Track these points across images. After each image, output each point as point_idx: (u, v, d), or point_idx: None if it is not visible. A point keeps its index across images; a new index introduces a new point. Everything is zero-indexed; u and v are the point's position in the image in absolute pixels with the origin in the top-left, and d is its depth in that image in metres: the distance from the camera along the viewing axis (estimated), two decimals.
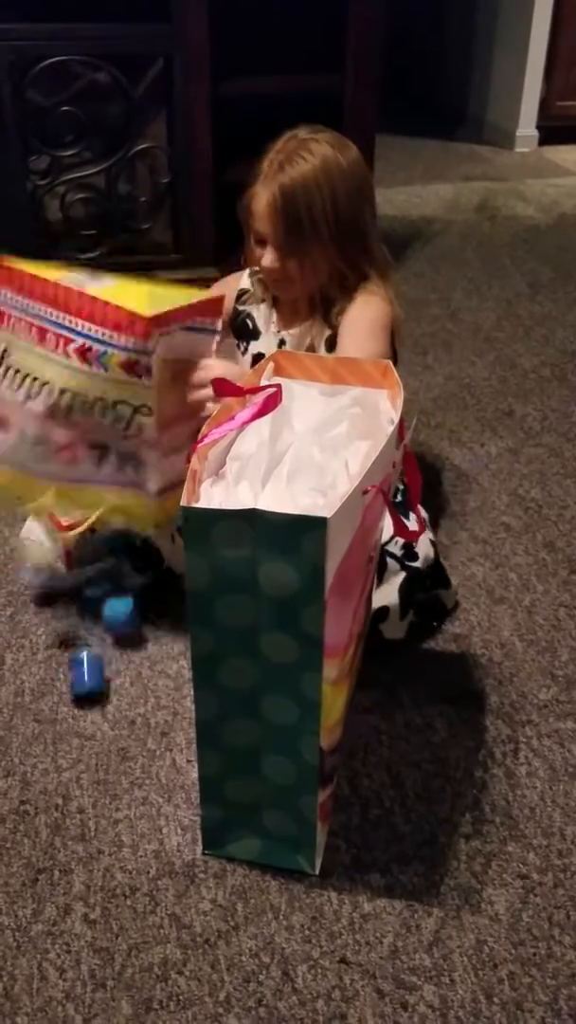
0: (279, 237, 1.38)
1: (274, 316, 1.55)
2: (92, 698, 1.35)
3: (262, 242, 1.42)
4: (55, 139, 2.38)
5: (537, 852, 1.17)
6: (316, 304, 1.49)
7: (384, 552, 1.38)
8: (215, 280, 2.45)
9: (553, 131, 4.14)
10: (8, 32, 2.20)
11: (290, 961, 1.05)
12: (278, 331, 1.53)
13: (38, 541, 1.50)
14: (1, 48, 2.19)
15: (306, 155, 1.36)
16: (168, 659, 1.43)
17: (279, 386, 1.07)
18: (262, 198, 1.37)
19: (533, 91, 4.04)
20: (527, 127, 4.13)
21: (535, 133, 4.15)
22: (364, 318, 1.43)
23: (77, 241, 2.48)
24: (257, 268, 1.50)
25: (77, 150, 2.39)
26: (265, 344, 1.54)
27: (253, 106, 2.54)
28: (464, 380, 2.28)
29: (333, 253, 1.41)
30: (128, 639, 1.45)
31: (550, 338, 2.50)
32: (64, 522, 1.57)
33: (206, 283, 2.46)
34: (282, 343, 1.52)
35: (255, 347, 1.56)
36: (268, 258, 1.41)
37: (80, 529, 1.36)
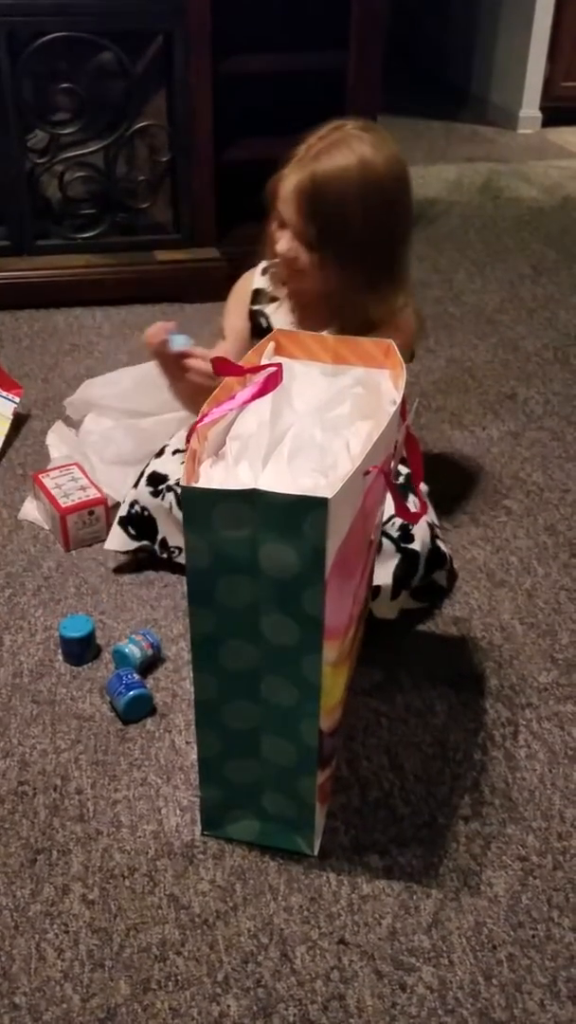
0: (299, 224, 1.33)
1: (288, 315, 1.50)
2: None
3: (283, 225, 1.37)
4: (54, 117, 2.36)
5: (536, 834, 1.17)
6: (337, 310, 1.41)
7: (381, 533, 1.37)
8: (215, 260, 2.45)
9: (557, 112, 4.10)
10: (7, 7, 2.17)
11: (289, 942, 1.05)
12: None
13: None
14: (0, 23, 2.16)
15: (347, 151, 1.29)
16: (167, 641, 1.42)
17: (279, 366, 1.06)
18: (291, 181, 1.31)
19: (537, 72, 4.00)
20: (531, 108, 4.09)
21: (539, 114, 4.11)
22: None
23: (76, 220, 2.46)
24: (271, 261, 1.48)
25: (76, 128, 2.36)
26: None
27: (254, 84, 2.53)
28: (466, 363, 2.26)
29: (353, 259, 1.35)
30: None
31: (553, 320, 2.48)
32: (63, 504, 1.57)
33: (207, 263, 2.45)
34: None
35: None
36: (283, 243, 1.36)
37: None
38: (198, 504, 0.93)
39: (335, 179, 1.30)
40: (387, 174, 1.32)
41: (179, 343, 1.40)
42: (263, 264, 1.53)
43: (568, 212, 3.24)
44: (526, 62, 3.97)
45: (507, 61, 4.10)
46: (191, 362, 1.40)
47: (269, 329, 1.51)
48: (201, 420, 1.01)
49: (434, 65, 4.61)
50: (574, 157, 3.83)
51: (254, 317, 1.53)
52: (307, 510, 0.90)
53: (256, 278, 1.54)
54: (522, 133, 4.11)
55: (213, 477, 0.99)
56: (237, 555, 0.94)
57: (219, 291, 2.48)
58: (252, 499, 0.91)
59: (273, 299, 1.52)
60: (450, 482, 1.81)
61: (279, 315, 1.51)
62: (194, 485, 0.95)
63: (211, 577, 0.97)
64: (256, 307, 1.53)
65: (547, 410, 2.08)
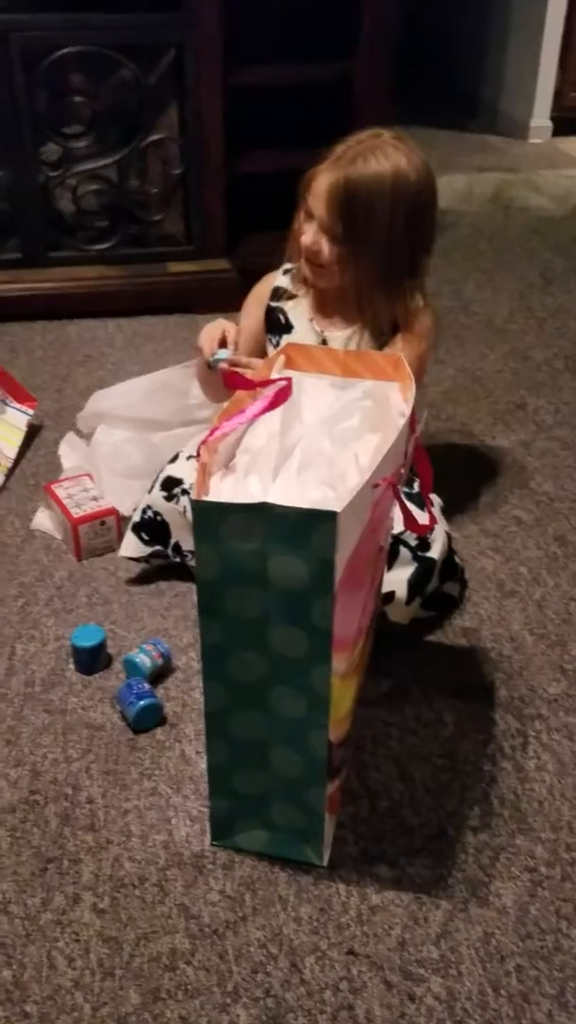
0: (327, 220, 1.36)
1: (307, 311, 1.52)
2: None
3: (310, 219, 1.40)
4: (67, 130, 2.38)
5: (545, 846, 1.17)
6: (362, 309, 1.45)
7: (398, 540, 1.37)
8: (226, 271, 2.47)
9: (567, 122, 4.11)
10: (21, 22, 2.19)
11: (298, 952, 1.05)
12: (320, 331, 1.50)
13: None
14: (14, 38, 2.19)
15: (382, 159, 1.33)
16: (176, 651, 1.43)
17: (289, 379, 1.07)
18: (325, 178, 1.35)
19: (547, 81, 4.00)
20: (541, 118, 4.09)
21: (549, 124, 4.11)
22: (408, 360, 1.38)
23: (88, 232, 2.48)
24: (293, 265, 1.49)
25: (89, 141, 2.38)
26: (299, 338, 1.51)
27: (266, 96, 2.54)
28: (476, 373, 2.27)
29: (374, 261, 1.38)
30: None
31: (563, 330, 2.48)
32: (74, 514, 1.58)
33: (219, 275, 2.47)
34: (324, 343, 1.50)
35: (288, 340, 1.52)
36: (309, 235, 1.40)
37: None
38: (208, 517, 0.94)
39: (368, 184, 1.34)
40: (417, 185, 1.36)
41: (221, 355, 1.45)
42: (286, 266, 1.55)
43: None
44: (537, 71, 3.97)
45: (517, 70, 4.11)
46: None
47: (287, 324, 1.53)
48: (212, 433, 1.02)
49: (444, 74, 4.63)
50: None
51: (272, 313, 1.55)
52: (316, 523, 0.91)
53: (278, 277, 1.57)
54: (532, 143, 4.11)
55: (223, 490, 1.00)
56: (247, 567, 0.95)
57: (230, 302, 2.50)
58: (262, 512, 0.92)
59: (292, 296, 1.54)
60: (460, 492, 1.81)
61: (298, 311, 1.53)
62: (204, 499, 0.95)
63: (221, 589, 0.97)
64: (275, 303, 1.55)
65: (557, 420, 2.08)
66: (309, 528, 0.91)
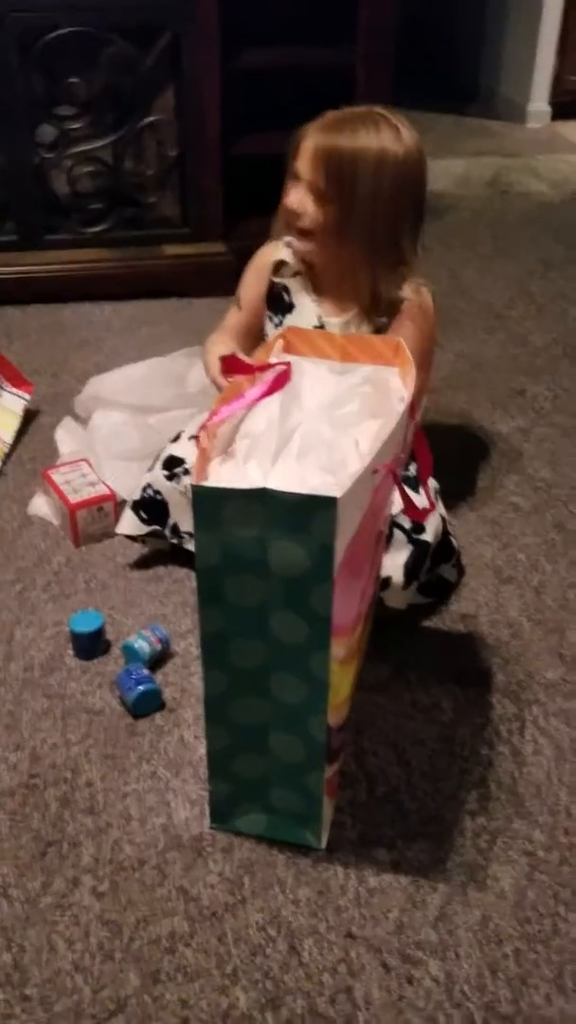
0: (313, 179, 1.36)
1: (311, 290, 1.51)
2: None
3: (297, 181, 1.39)
4: (63, 112, 2.36)
5: (543, 830, 1.18)
6: (360, 294, 1.44)
7: (393, 523, 1.37)
8: (222, 254, 2.46)
9: (566, 106, 4.08)
10: (18, 3, 2.17)
11: (296, 935, 1.06)
12: (319, 314, 1.49)
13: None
14: (10, 19, 2.17)
15: (372, 131, 1.33)
16: (176, 636, 1.43)
17: (288, 364, 1.06)
18: (313, 140, 1.35)
19: (546, 66, 3.97)
20: (539, 102, 4.07)
21: (547, 108, 4.08)
22: (416, 343, 1.36)
23: (84, 215, 2.46)
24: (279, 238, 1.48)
25: (84, 123, 2.36)
26: (300, 320, 1.50)
27: (263, 79, 2.52)
28: (475, 359, 2.26)
29: (358, 228, 1.37)
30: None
31: (562, 316, 2.47)
32: (72, 499, 1.58)
33: (215, 258, 2.46)
34: (321, 327, 1.48)
35: (290, 321, 1.51)
36: (293, 195, 1.39)
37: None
38: (208, 503, 0.94)
39: (354, 147, 1.33)
40: (405, 156, 1.35)
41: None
42: (286, 238, 1.52)
43: None
44: (535, 56, 3.94)
45: (516, 55, 4.08)
46: None
47: (289, 304, 1.52)
48: (211, 418, 1.01)
49: (442, 58, 4.59)
50: None
51: (275, 289, 1.53)
52: (316, 509, 0.90)
53: (280, 249, 1.53)
54: (531, 127, 4.08)
55: (223, 475, 1.00)
56: (246, 553, 0.95)
57: (227, 285, 2.48)
58: (262, 498, 0.92)
59: (296, 272, 1.51)
60: (458, 478, 1.81)
61: (302, 290, 1.51)
62: (204, 484, 0.95)
63: (221, 575, 0.97)
64: (279, 279, 1.53)
65: (556, 406, 2.08)
66: (309, 514, 0.91)
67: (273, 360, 1.14)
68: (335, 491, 0.90)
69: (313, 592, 0.96)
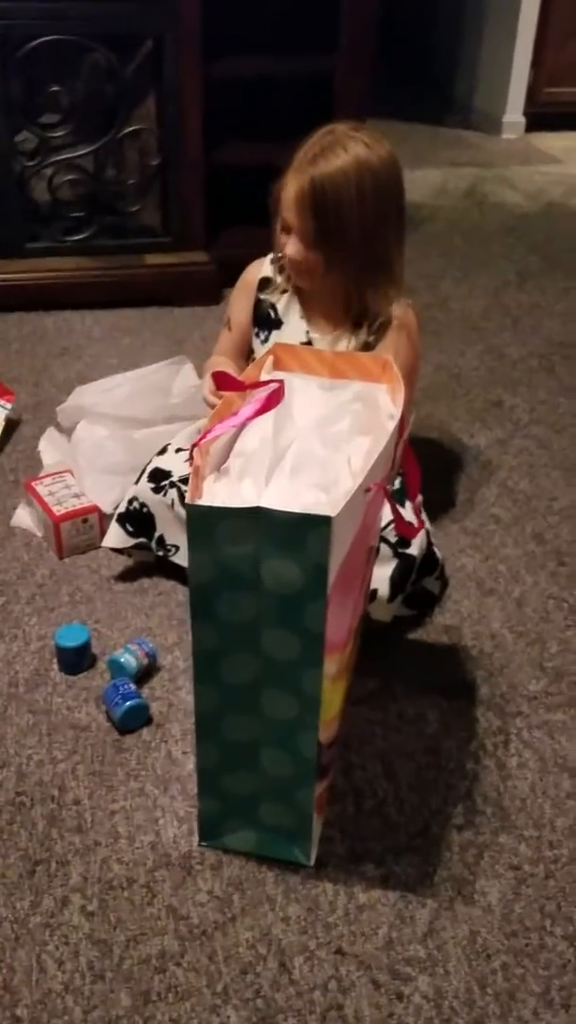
0: (305, 228, 1.37)
1: (299, 309, 1.52)
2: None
3: (288, 230, 1.40)
4: (44, 119, 2.35)
5: (528, 843, 1.19)
6: (349, 311, 1.46)
7: (378, 536, 1.38)
8: (207, 264, 2.46)
9: (540, 118, 4.13)
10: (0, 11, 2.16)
11: (287, 952, 1.06)
12: (307, 331, 1.50)
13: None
14: None
15: (340, 152, 1.34)
16: (162, 650, 1.43)
17: (282, 382, 1.07)
18: (292, 187, 1.36)
19: (521, 77, 4.02)
20: (514, 113, 4.11)
21: (522, 120, 4.13)
22: (403, 360, 1.37)
23: (65, 223, 2.45)
24: (280, 255, 1.49)
25: (66, 131, 2.35)
26: (288, 337, 1.51)
27: (244, 87, 2.53)
28: (453, 370, 2.28)
29: (357, 253, 1.39)
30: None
31: (538, 328, 2.50)
32: (56, 511, 1.57)
33: (197, 267, 2.46)
34: (309, 344, 1.50)
35: (277, 337, 1.52)
36: (292, 247, 1.40)
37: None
38: (203, 521, 0.94)
39: (333, 178, 1.34)
40: (381, 167, 1.36)
41: None
42: (272, 255, 1.54)
43: (552, 219, 3.27)
44: (511, 67, 3.99)
45: (492, 66, 4.12)
46: None
47: (276, 320, 1.53)
48: (204, 436, 1.01)
49: (418, 69, 4.63)
50: (557, 163, 3.86)
51: (260, 306, 1.54)
52: (311, 527, 0.91)
53: (265, 267, 1.55)
54: (505, 138, 4.13)
55: (217, 493, 1.00)
56: (240, 571, 0.95)
57: (208, 294, 2.51)
58: (256, 516, 0.92)
59: (284, 290, 1.53)
60: (439, 489, 1.82)
61: (289, 307, 1.52)
62: (199, 503, 0.95)
63: (214, 592, 0.98)
64: (264, 296, 1.54)
65: (533, 418, 2.10)
66: (304, 532, 0.91)
67: (265, 377, 1.15)
68: (329, 510, 0.91)
69: (307, 609, 0.96)
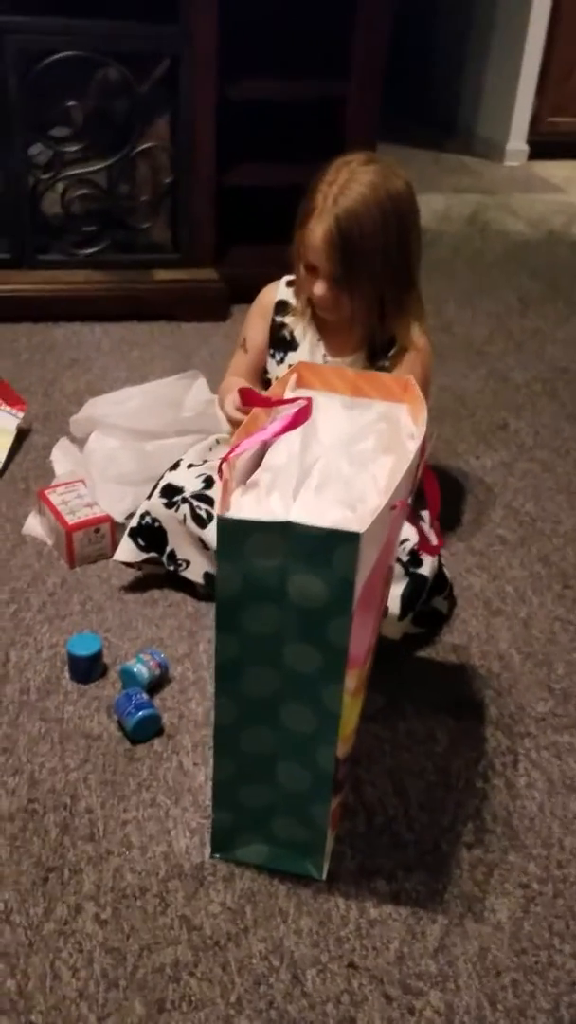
0: (334, 270, 1.39)
1: (315, 331, 1.55)
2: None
3: (313, 270, 1.42)
4: (58, 134, 2.37)
5: (537, 862, 1.20)
6: (367, 336, 1.50)
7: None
8: (215, 282, 2.48)
9: (543, 146, 4.19)
10: (17, 25, 2.19)
11: (299, 965, 1.07)
12: (324, 354, 1.53)
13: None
14: (9, 41, 2.18)
15: (357, 186, 1.36)
16: (172, 661, 1.43)
17: (310, 400, 1.08)
18: (317, 232, 1.38)
19: (524, 106, 4.08)
20: (517, 141, 4.17)
21: (525, 148, 4.19)
22: (418, 382, 1.40)
23: (76, 236, 2.47)
24: (294, 279, 1.51)
25: (79, 146, 2.38)
26: (303, 358, 1.53)
27: (257, 109, 2.56)
28: (458, 393, 2.31)
29: (382, 282, 1.42)
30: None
31: (540, 354, 2.53)
32: (69, 520, 1.58)
33: (205, 284, 2.48)
34: None
35: (293, 358, 1.54)
36: (320, 288, 1.42)
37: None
38: (232, 533, 0.95)
39: (356, 214, 1.36)
40: (398, 195, 1.39)
41: None
42: (287, 277, 1.56)
43: (553, 246, 3.31)
44: (514, 96, 4.05)
45: (495, 94, 4.19)
46: None
47: (293, 342, 1.55)
48: (233, 451, 1.03)
49: (422, 95, 4.69)
50: (559, 191, 3.92)
51: (277, 328, 1.56)
52: (338, 543, 0.92)
53: (281, 289, 1.57)
54: (508, 166, 4.19)
55: (244, 506, 1.01)
56: (267, 583, 0.97)
57: (216, 311, 2.53)
58: (285, 531, 0.93)
59: (303, 314, 1.55)
60: (446, 509, 1.84)
61: (307, 333, 1.55)
62: (229, 515, 0.97)
63: (239, 604, 0.99)
64: (280, 319, 1.56)
65: (537, 441, 2.13)
66: (332, 547, 0.93)
67: (289, 395, 1.16)
68: (356, 525, 0.92)
69: (331, 624, 0.97)
